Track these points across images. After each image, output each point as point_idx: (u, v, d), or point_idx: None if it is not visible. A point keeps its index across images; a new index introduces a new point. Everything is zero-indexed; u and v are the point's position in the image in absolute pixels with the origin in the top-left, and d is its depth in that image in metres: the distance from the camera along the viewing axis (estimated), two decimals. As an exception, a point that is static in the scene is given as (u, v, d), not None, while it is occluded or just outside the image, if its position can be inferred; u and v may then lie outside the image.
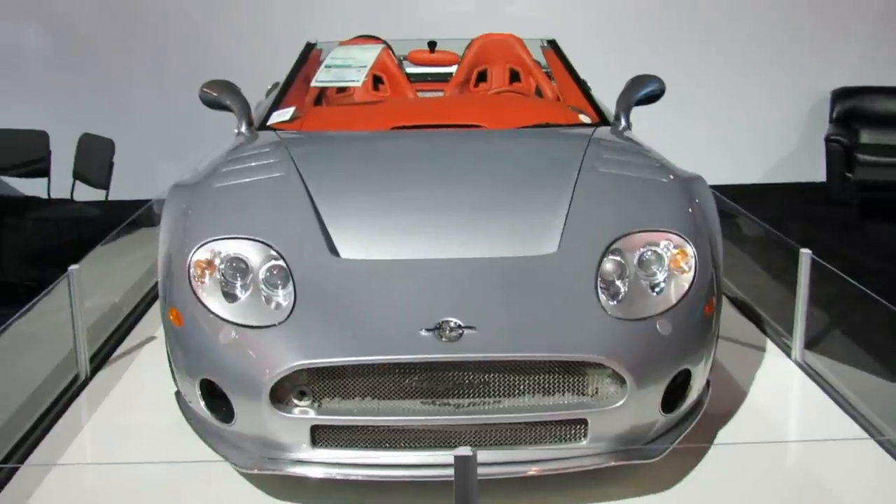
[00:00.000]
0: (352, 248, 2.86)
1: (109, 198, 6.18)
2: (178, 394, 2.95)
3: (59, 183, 6.53)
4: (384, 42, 5.25)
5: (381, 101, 4.41)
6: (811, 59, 8.55)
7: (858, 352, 3.79)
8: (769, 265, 4.56)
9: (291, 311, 2.63)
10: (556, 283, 2.69)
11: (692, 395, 2.81)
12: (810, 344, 3.73)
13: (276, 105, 4.07)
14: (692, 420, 2.84)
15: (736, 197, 8.14)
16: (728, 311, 4.32)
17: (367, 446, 2.57)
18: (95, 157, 6.17)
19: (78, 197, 6.40)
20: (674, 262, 2.85)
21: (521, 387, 2.55)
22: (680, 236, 2.89)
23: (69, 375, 3.57)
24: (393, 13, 8.38)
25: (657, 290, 2.77)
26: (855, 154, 7.74)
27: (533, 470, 2.55)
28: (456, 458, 2.02)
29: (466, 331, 2.52)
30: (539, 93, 5.07)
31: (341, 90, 4.92)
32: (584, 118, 3.95)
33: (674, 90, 8.39)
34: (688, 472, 2.80)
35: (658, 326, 2.66)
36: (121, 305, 4.38)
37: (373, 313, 2.60)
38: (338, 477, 2.55)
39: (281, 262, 2.76)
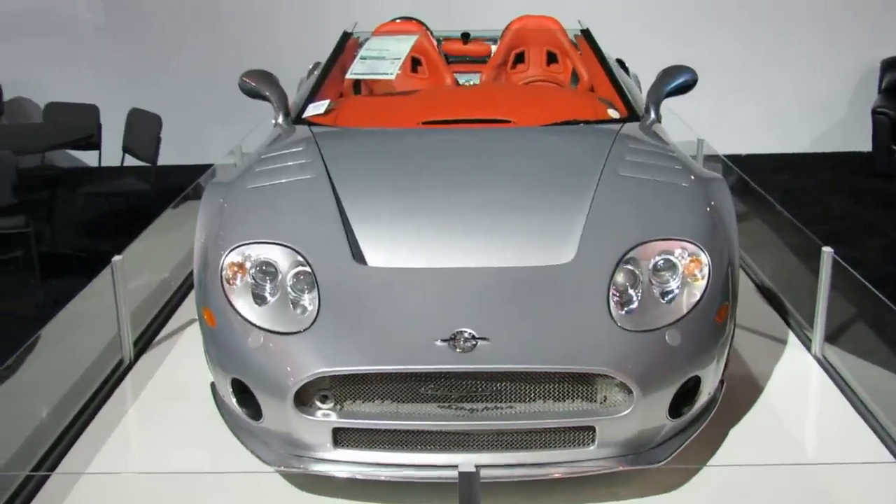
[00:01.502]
0: (375, 253, 2.98)
1: (158, 163, 6.37)
2: (213, 385, 3.12)
3: (109, 155, 6.74)
4: (424, 24, 5.33)
5: (413, 91, 4.49)
6: (861, 27, 8.41)
7: (880, 348, 3.83)
8: (800, 252, 4.58)
9: (316, 318, 2.77)
10: (569, 294, 2.79)
11: (701, 400, 2.91)
12: (831, 338, 3.79)
13: (312, 97, 4.19)
14: (701, 423, 2.93)
15: (781, 167, 8.20)
16: (753, 299, 4.38)
17: (386, 448, 2.71)
18: (144, 132, 6.35)
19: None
20: (688, 270, 2.93)
21: (533, 394, 2.67)
22: (695, 244, 2.96)
23: (115, 359, 3.78)
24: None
25: (668, 298, 2.86)
26: (902, 127, 7.65)
27: (542, 474, 2.68)
28: (460, 473, 2.16)
29: (480, 342, 2.64)
30: (575, 76, 5.12)
31: (381, 74, 5.02)
32: (613, 112, 4.00)
33: (722, 60, 8.41)
34: (688, 478, 2.90)
35: (667, 337, 2.75)
36: (169, 282, 4.57)
37: (391, 322, 2.73)
38: (358, 476, 2.71)
39: (307, 268, 2.90)
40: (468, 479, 2.16)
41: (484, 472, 2.62)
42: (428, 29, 5.30)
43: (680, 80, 4.10)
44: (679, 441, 2.84)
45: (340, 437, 2.71)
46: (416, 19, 5.39)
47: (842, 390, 3.45)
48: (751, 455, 3.01)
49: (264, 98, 4.13)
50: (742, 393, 3.42)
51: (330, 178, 3.28)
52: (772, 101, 8.61)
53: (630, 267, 2.89)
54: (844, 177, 8.04)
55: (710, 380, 2.92)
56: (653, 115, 4.01)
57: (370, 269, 2.91)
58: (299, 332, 2.76)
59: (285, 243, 2.98)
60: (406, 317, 2.74)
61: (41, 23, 8.37)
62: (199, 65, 8.41)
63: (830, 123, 8.69)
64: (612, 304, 2.78)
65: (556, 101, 4.22)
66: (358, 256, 2.96)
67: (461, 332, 2.65)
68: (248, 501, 2.85)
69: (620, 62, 5.51)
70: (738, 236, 3.20)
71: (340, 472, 2.72)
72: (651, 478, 2.86)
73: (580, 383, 2.67)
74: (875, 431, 3.16)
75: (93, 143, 6.46)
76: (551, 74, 5.18)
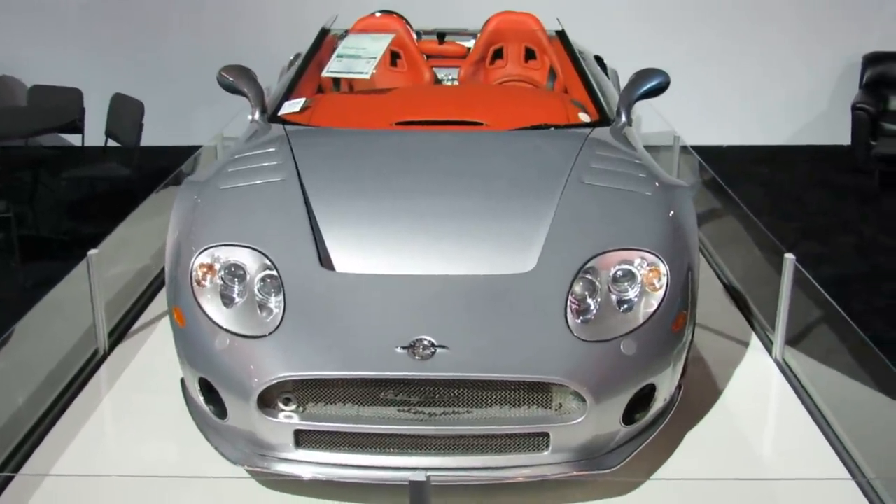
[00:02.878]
0: (342, 258, 3.05)
1: (143, 144, 6.39)
2: (183, 381, 3.19)
3: (93, 139, 6.77)
4: (404, 19, 5.37)
5: (389, 90, 4.54)
6: (844, 22, 8.47)
7: (840, 354, 3.92)
8: (768, 252, 4.67)
9: (280, 323, 2.84)
10: (528, 304, 2.87)
11: (656, 406, 3.00)
12: (792, 342, 3.88)
13: (288, 94, 4.24)
14: (656, 428, 3.02)
15: (762, 159, 8.27)
16: (719, 299, 4.48)
17: (346, 449, 2.80)
18: (126, 118, 6.39)
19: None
20: (647, 280, 3.00)
21: (490, 400, 2.75)
22: (654, 255, 3.04)
23: (90, 349, 3.85)
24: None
25: (625, 308, 2.94)
26: (881, 123, 7.72)
27: (497, 477, 2.77)
28: (411, 482, 2.24)
29: (439, 350, 2.72)
30: (553, 73, 5.17)
31: (360, 68, 5.07)
32: (584, 117, 4.06)
33: (706, 53, 8.45)
34: (647, 478, 3.01)
35: (622, 347, 2.84)
36: (146, 271, 4.63)
37: (353, 328, 2.81)
38: (319, 476, 2.79)
39: (274, 272, 2.97)
40: (419, 489, 2.24)
41: (439, 475, 2.75)
42: (408, 23, 5.34)
43: (652, 84, 4.15)
44: (633, 447, 2.92)
45: (302, 438, 2.79)
46: (396, 13, 5.42)
47: (800, 397, 3.54)
48: (703, 465, 3.10)
49: (241, 93, 4.18)
50: (700, 396, 3.51)
51: (301, 180, 3.34)
52: (754, 94, 8.68)
53: (589, 276, 2.96)
54: (823, 171, 8.13)
55: (666, 386, 3.01)
56: (624, 118, 4.07)
57: (335, 275, 2.99)
58: (264, 336, 2.83)
59: (254, 246, 3.05)
60: (368, 323, 2.82)
61: (30, 1, 8.36)
62: (185, 45, 8.41)
63: (812, 117, 8.76)
64: (569, 313, 2.86)
65: (529, 104, 4.27)
66: (325, 261, 3.03)
67: (421, 339, 2.73)
68: (215, 500, 2.94)
69: (599, 59, 5.56)
70: (698, 243, 3.28)
71: (302, 472, 2.81)
72: (601, 484, 2.94)
73: (536, 391, 2.75)
74: (831, 444, 3.23)
75: (74, 126, 6.48)
76: (528, 71, 5.23)
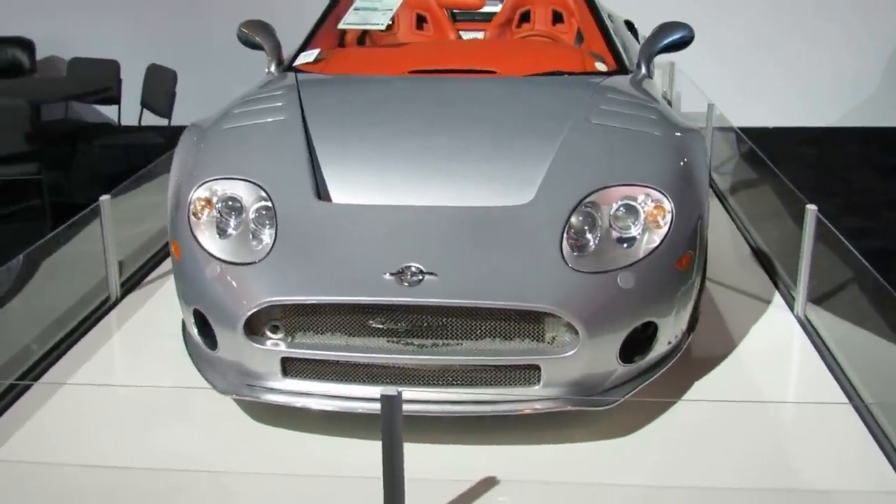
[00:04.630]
0: (339, 191, 3.01)
1: (173, 123, 6.46)
2: (183, 322, 3.18)
3: (131, 110, 6.85)
4: None
5: (403, 44, 4.49)
6: (892, 2, 8.23)
7: (865, 311, 3.76)
8: (798, 219, 4.54)
9: (270, 251, 2.81)
10: (523, 234, 2.79)
11: (658, 348, 2.89)
12: (817, 300, 3.74)
13: (305, 46, 4.22)
14: (656, 372, 2.91)
15: (808, 140, 8.06)
16: (746, 262, 4.34)
17: (333, 379, 2.75)
18: (160, 87, 6.44)
19: (146, 123, 6.72)
20: (650, 217, 2.91)
21: (480, 331, 2.68)
22: (659, 191, 2.94)
23: (102, 295, 3.87)
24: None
25: (627, 243, 2.84)
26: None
27: (485, 410, 2.69)
28: (382, 396, 2.18)
29: (427, 276, 2.65)
30: (580, 36, 5.08)
31: (386, 29, 5.03)
32: (601, 65, 3.97)
33: (753, 34, 8.27)
34: (649, 421, 2.91)
35: (619, 280, 2.74)
36: (164, 227, 4.65)
37: (343, 256, 2.76)
38: (305, 406, 2.75)
39: (269, 203, 2.94)
40: (390, 403, 2.18)
41: (428, 408, 2.68)
42: None
43: (674, 37, 4.03)
44: (631, 387, 2.83)
45: (290, 367, 2.75)
46: None
47: (820, 353, 3.39)
48: (712, 414, 2.98)
49: (260, 47, 4.16)
50: (713, 349, 3.40)
51: (305, 120, 3.31)
52: (802, 76, 8.48)
53: (589, 210, 2.87)
54: (871, 152, 7.88)
55: (669, 327, 2.90)
56: (644, 70, 3.97)
57: (328, 206, 2.94)
58: (254, 262, 2.80)
59: (250, 179, 3.02)
60: (358, 251, 2.77)
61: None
62: (226, 23, 8.46)
63: (860, 99, 8.52)
64: (565, 245, 2.77)
65: (542, 54, 4.19)
66: (321, 193, 2.99)
67: (409, 266, 2.67)
68: (209, 422, 2.94)
69: (629, 23, 5.45)
70: (708, 187, 3.17)
71: (289, 401, 2.76)
72: (597, 423, 2.86)
73: (528, 322, 2.67)
74: (854, 407, 3.10)
75: (111, 97, 6.56)
76: (556, 34, 5.14)
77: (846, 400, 3.08)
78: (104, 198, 3.82)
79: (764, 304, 3.84)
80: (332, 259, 2.75)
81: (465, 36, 5.24)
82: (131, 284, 4.04)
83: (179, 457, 2.74)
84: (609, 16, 5.28)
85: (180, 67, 6.54)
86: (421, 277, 2.65)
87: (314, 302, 2.67)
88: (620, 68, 3.97)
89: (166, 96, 6.32)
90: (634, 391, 2.82)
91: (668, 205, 2.93)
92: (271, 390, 2.78)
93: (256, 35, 4.16)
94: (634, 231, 2.88)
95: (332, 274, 2.71)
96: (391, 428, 2.20)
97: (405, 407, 2.59)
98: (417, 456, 2.38)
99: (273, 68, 4.06)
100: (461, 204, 2.91)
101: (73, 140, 6.46)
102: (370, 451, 2.41)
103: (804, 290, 3.67)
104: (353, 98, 3.56)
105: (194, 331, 2.96)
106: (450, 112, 3.39)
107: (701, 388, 3.14)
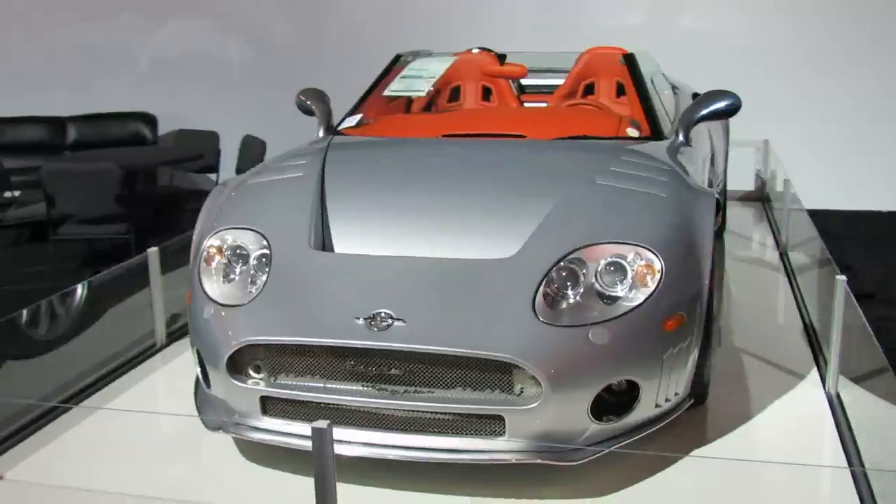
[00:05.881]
0: (341, 242, 3.13)
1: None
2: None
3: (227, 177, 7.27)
4: (498, 54, 5.46)
5: (447, 111, 4.62)
6: None
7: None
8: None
9: (258, 294, 2.94)
10: (499, 287, 2.82)
11: (643, 409, 2.83)
12: (857, 378, 3.56)
13: (352, 112, 4.41)
14: (640, 433, 2.84)
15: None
16: (794, 335, 4.18)
17: (309, 420, 2.81)
18: (252, 156, 6.81)
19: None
20: (639, 276, 2.88)
21: (449, 379, 2.70)
22: (650, 250, 2.91)
23: (149, 341, 4.11)
24: (562, 24, 8.53)
25: (608, 300, 2.82)
26: None
27: (452, 458, 2.70)
28: (313, 429, 2.24)
29: (396, 322, 2.71)
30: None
31: (452, 98, 5.20)
32: (633, 131, 3.97)
33: (839, 114, 8.03)
34: (634, 481, 2.84)
35: (591, 335, 2.72)
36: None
37: (322, 301, 2.86)
38: (283, 445, 2.83)
39: (268, 251, 3.08)
40: (320, 436, 2.23)
41: (393, 453, 2.72)
42: (501, 59, 5.42)
43: (718, 105, 4.00)
44: (603, 447, 2.77)
45: (269, 406, 2.85)
46: (492, 50, 5.52)
47: (838, 428, 3.22)
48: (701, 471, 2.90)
49: (313, 114, 4.39)
50: (724, 414, 3.29)
51: (323, 176, 3.46)
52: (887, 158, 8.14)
53: (573, 266, 2.87)
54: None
55: (653, 389, 2.84)
56: (681, 137, 3.95)
57: (319, 254, 3.06)
58: (242, 305, 2.93)
59: (256, 229, 3.18)
60: (335, 297, 2.87)
61: (196, 63, 9.17)
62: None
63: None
64: (539, 298, 2.78)
65: (575, 119, 4.23)
66: (327, 244, 3.11)
67: (380, 312, 2.74)
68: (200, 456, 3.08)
69: (696, 96, 5.41)
70: (712, 249, 3.10)
71: (268, 439, 2.85)
72: (578, 479, 2.81)
73: (496, 373, 2.68)
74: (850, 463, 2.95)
75: (210, 165, 6.98)
76: (618, 106, 5.16)
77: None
78: (152, 250, 4.06)
79: (798, 377, 3.68)
80: (312, 303, 2.86)
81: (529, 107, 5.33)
82: (182, 333, 4.25)
83: (157, 485, 2.88)
84: (674, 87, 5.27)
85: (270, 137, 6.92)
86: (390, 323, 2.71)
87: (287, 342, 2.77)
88: (655, 135, 3.96)
89: (257, 163, 6.67)
90: (606, 451, 2.75)
91: (658, 264, 2.89)
92: (253, 428, 2.88)
93: (311, 102, 4.39)
94: (620, 289, 2.85)
95: (307, 317, 2.82)
96: (322, 462, 2.25)
97: (365, 451, 2.67)
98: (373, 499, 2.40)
99: (321, 132, 4.27)
100: (447, 256, 2.97)
101: (166, 205, 6.87)
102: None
103: (836, 365, 3.51)
104: (372, 157, 3.70)
105: (197, 370, 3.11)
106: (460, 172, 3.48)
107: (700, 450, 3.05)
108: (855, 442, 3.12)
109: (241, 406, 2.88)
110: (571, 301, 2.81)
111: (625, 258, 2.90)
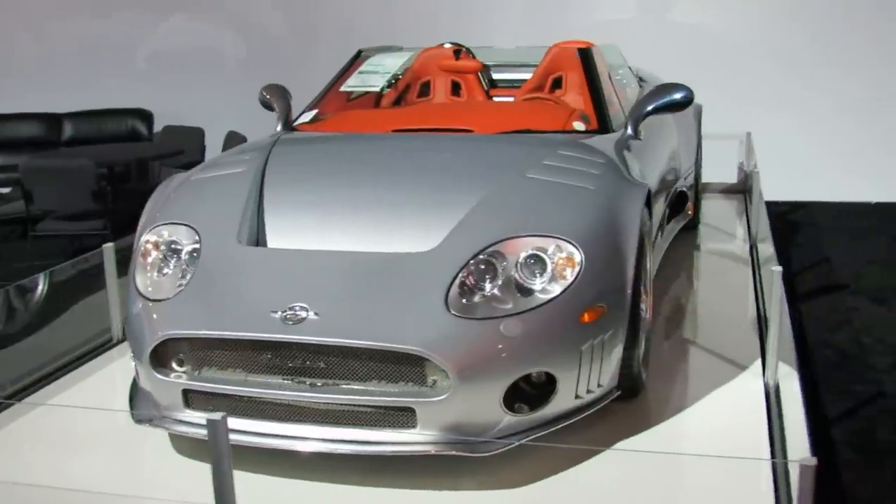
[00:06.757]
0: (274, 237, 3.18)
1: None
2: None
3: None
4: (467, 49, 5.48)
5: (399, 106, 4.65)
6: None
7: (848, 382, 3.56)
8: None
9: (182, 289, 2.99)
10: (414, 280, 2.85)
11: (561, 401, 2.86)
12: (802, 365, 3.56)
13: (309, 107, 4.45)
14: (554, 426, 2.87)
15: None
16: (745, 328, 4.18)
17: (231, 413, 2.85)
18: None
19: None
20: (558, 268, 2.90)
21: (364, 372, 2.75)
22: (570, 243, 2.93)
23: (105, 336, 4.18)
24: (551, 19, 8.53)
25: (525, 293, 2.85)
26: None
27: (366, 451, 2.74)
28: (208, 421, 2.29)
29: (310, 316, 2.76)
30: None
31: (422, 93, 5.23)
32: (580, 125, 3.99)
33: (852, 105, 8.00)
34: (552, 472, 2.86)
35: (502, 327, 2.75)
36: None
37: (241, 295, 2.91)
38: (203, 438, 2.86)
39: (199, 245, 3.13)
40: (215, 427, 2.28)
41: (308, 445, 2.76)
42: (471, 53, 5.43)
43: (667, 98, 4.00)
44: (517, 438, 2.79)
45: (192, 399, 2.90)
46: (462, 46, 5.54)
47: (770, 419, 3.23)
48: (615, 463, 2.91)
49: (273, 110, 4.43)
50: (657, 406, 3.31)
51: (264, 171, 3.50)
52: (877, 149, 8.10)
53: (492, 259, 2.90)
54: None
55: (571, 381, 2.87)
56: (629, 130, 3.96)
57: (244, 249, 3.10)
58: (167, 299, 2.99)
59: (190, 224, 3.23)
60: (254, 291, 2.91)
61: (194, 59, 9.26)
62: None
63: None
64: (453, 291, 2.81)
65: (523, 113, 4.25)
66: (260, 239, 3.16)
67: (294, 305, 2.78)
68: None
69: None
70: (637, 242, 3.12)
71: (191, 432, 2.90)
72: (489, 473, 2.84)
73: (409, 365, 2.72)
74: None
75: (196, 161, 7.03)
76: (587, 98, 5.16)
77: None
78: (107, 245, 4.13)
79: (741, 369, 3.68)
80: (232, 298, 2.91)
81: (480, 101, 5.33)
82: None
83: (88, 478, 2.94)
84: (641, 81, 5.27)
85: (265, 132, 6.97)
86: (304, 316, 2.76)
87: (205, 336, 2.82)
88: (602, 128, 3.97)
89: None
90: (518, 443, 2.78)
91: (578, 257, 2.91)
92: (177, 421, 2.93)
93: (272, 98, 4.43)
94: (539, 282, 2.88)
95: (226, 311, 2.86)
96: (218, 453, 2.30)
97: (280, 443, 2.72)
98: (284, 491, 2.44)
99: (279, 128, 4.31)
100: (371, 250, 3.01)
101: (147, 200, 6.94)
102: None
103: (774, 356, 3.51)
104: (315, 153, 3.75)
105: (132, 364, 3.16)
106: (398, 167, 3.51)
107: (624, 443, 3.06)
108: (783, 433, 3.13)
109: (164, 399, 2.93)
110: (487, 294, 2.84)
111: (545, 251, 2.92)
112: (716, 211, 6.56)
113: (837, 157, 8.14)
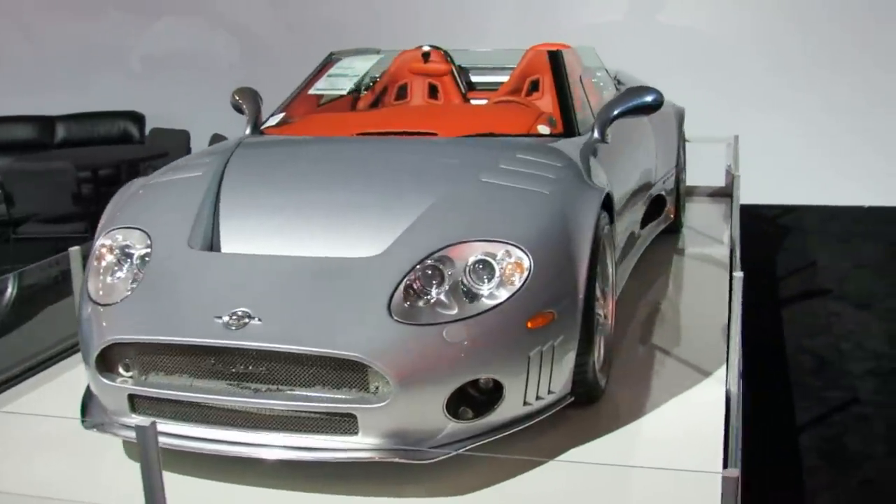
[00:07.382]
0: (228, 241, 3.16)
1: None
2: None
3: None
4: (445, 51, 5.46)
5: (368, 110, 4.64)
6: None
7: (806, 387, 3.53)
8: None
9: (129, 293, 2.98)
10: (360, 285, 2.83)
11: (508, 408, 2.83)
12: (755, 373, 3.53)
13: (278, 110, 4.44)
14: (502, 433, 2.84)
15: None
16: (715, 334, 4.14)
17: (175, 418, 2.86)
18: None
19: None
20: (507, 274, 2.88)
21: (305, 378, 2.73)
22: (519, 248, 2.91)
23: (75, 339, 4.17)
24: (541, 22, 8.51)
25: (472, 298, 2.83)
26: None
27: (307, 457, 2.72)
28: (137, 427, 2.27)
29: (253, 321, 2.74)
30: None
31: (399, 96, 5.21)
32: (544, 129, 3.96)
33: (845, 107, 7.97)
34: (498, 480, 2.83)
35: (445, 333, 2.73)
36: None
37: (186, 300, 2.90)
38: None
39: (150, 250, 3.12)
40: (144, 434, 2.26)
41: (249, 451, 2.75)
42: (449, 57, 5.41)
43: (636, 101, 3.97)
44: (460, 445, 2.77)
45: (137, 404, 2.89)
46: (441, 49, 5.52)
47: (727, 427, 3.19)
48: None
49: (244, 113, 4.42)
50: (615, 415, 3.27)
51: (223, 174, 3.49)
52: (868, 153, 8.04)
53: (438, 265, 2.88)
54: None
55: (519, 387, 2.84)
56: (596, 134, 3.93)
57: (193, 253, 3.09)
58: (115, 304, 2.98)
59: (143, 228, 3.22)
60: (199, 296, 2.90)
61: (186, 62, 9.28)
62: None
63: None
64: (397, 297, 2.79)
65: (489, 117, 4.23)
66: (214, 243, 3.15)
67: (237, 311, 2.77)
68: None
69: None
70: (590, 247, 3.08)
71: (132, 437, 2.88)
72: (444, 478, 2.82)
73: (351, 371, 2.70)
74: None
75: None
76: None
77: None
78: (73, 249, 4.12)
79: (705, 375, 3.65)
80: (177, 303, 2.90)
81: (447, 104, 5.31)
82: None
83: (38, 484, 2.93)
84: (618, 84, 5.24)
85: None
86: (246, 321, 2.74)
87: (149, 341, 2.81)
88: (568, 132, 3.95)
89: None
90: (460, 450, 2.75)
91: (527, 262, 2.89)
92: (123, 426, 2.92)
93: (242, 101, 4.42)
94: (486, 287, 2.86)
95: (170, 316, 2.86)
96: (148, 459, 2.28)
97: (223, 448, 2.70)
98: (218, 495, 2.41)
99: (248, 131, 4.30)
100: (318, 254, 2.99)
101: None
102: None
103: (736, 363, 3.47)
104: (274, 157, 3.73)
105: (84, 368, 3.16)
106: (355, 170, 3.50)
107: (577, 452, 3.03)
108: (738, 443, 3.09)
109: (111, 404, 2.93)
110: (433, 299, 2.82)
111: (494, 256, 2.90)
112: (700, 215, 6.52)
113: (828, 161, 8.10)
